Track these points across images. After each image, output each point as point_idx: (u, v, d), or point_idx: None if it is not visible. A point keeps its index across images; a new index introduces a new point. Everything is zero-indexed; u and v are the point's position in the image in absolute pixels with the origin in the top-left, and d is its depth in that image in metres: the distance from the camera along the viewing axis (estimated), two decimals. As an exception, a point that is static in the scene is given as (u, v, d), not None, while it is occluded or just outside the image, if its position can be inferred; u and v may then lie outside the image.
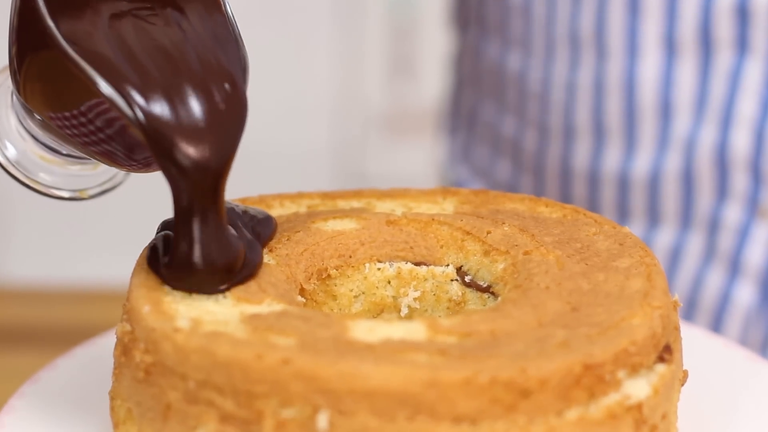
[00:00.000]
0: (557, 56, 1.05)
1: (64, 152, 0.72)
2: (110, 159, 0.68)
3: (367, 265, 0.75)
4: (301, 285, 0.72)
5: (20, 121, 0.72)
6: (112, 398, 0.69)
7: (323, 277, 0.74)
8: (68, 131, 0.67)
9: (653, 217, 1.03)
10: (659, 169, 1.01)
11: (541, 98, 1.09)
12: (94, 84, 0.64)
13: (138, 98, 0.64)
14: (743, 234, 0.98)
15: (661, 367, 0.66)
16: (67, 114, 0.66)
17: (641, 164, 1.02)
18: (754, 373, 0.76)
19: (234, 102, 0.67)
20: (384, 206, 0.78)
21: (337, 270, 0.74)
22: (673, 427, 0.68)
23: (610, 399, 0.63)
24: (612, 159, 1.04)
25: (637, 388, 0.63)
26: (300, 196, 0.79)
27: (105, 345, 0.76)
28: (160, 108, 0.65)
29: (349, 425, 0.60)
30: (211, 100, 0.66)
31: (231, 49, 0.68)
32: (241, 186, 0.82)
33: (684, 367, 0.70)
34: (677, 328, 0.69)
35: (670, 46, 0.99)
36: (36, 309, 1.11)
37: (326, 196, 0.79)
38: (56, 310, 1.11)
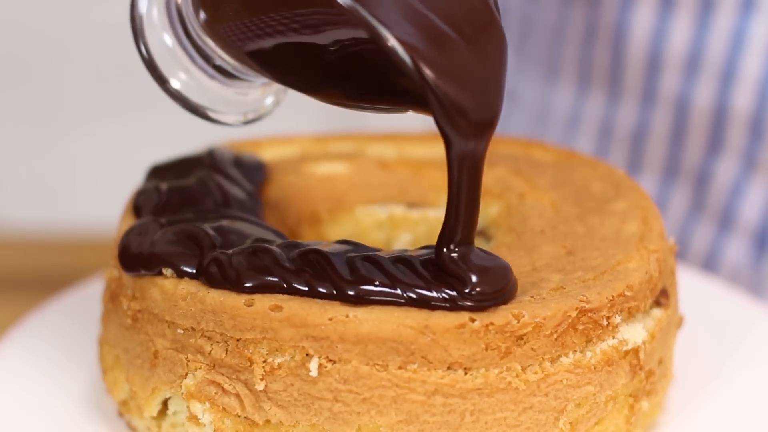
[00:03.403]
0: None
1: (217, 62, 0.65)
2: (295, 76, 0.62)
3: (359, 208, 0.74)
4: (292, 229, 0.71)
5: (178, 21, 0.64)
6: (100, 344, 0.68)
7: (314, 221, 0.73)
8: (251, 42, 0.61)
9: (634, 167, 1.02)
10: (645, 124, 1.00)
11: (525, 34, 1.07)
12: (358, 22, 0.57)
13: (398, 29, 0.58)
14: (736, 189, 0.97)
15: (657, 312, 0.65)
16: (269, 23, 0.60)
17: (625, 117, 1.01)
18: (750, 317, 0.76)
19: (497, 42, 0.60)
20: (376, 149, 0.77)
21: (328, 214, 0.73)
22: (669, 372, 0.67)
23: (606, 344, 0.62)
24: (594, 107, 1.02)
25: (634, 333, 0.63)
26: (291, 139, 0.78)
27: (93, 290, 0.76)
28: (427, 46, 0.58)
29: (341, 373, 0.59)
30: (474, 40, 0.59)
31: None
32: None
33: (679, 312, 0.69)
34: (673, 273, 0.68)
35: None
36: (22, 255, 1.11)
37: (317, 139, 0.78)
38: (43, 255, 1.10)
